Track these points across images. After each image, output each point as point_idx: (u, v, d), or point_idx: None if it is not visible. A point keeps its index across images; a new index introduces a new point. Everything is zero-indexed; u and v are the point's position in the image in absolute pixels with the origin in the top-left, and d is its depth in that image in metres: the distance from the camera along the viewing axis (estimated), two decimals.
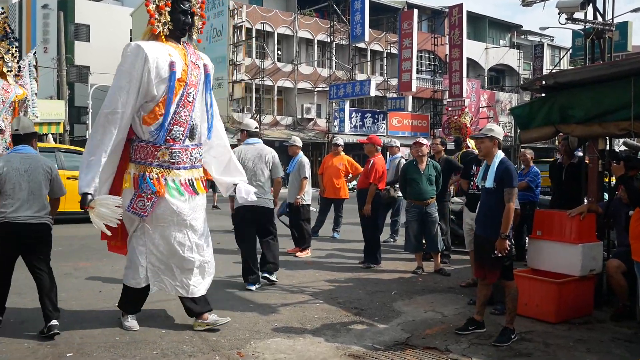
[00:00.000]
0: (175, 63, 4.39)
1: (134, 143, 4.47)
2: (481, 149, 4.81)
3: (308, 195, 8.57)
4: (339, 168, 9.87)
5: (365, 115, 32.52)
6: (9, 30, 8.45)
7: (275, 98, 31.94)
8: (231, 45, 29.70)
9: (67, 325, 4.48)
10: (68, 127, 27.50)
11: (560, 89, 5.76)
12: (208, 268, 4.70)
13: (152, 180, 4.35)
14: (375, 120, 32.72)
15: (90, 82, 31.04)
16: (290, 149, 8.71)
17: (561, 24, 7.04)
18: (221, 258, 7.48)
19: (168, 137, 4.40)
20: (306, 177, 8.37)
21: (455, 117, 10.27)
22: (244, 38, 30.11)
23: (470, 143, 9.96)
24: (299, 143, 8.76)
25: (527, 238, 7.64)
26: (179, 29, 4.56)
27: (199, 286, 4.62)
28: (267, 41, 31.61)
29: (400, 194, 9.41)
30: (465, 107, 15.08)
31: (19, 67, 8.65)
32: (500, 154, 4.74)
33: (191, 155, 4.55)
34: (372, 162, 7.56)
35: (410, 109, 35.10)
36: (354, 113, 31.75)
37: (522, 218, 7.23)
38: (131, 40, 38.32)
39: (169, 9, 4.47)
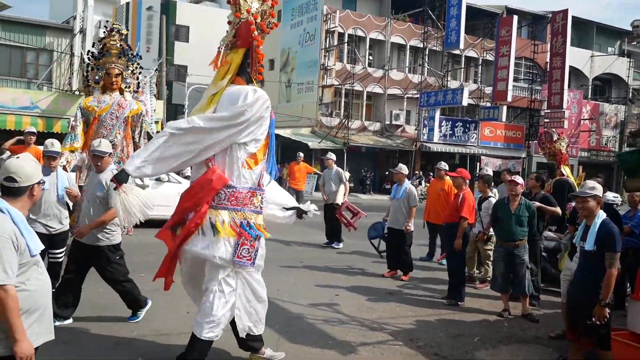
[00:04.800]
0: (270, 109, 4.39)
1: (229, 189, 4.23)
2: (584, 209, 4.51)
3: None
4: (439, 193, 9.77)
5: (456, 124, 31.73)
6: (125, 47, 8.94)
7: (365, 103, 31.85)
8: (323, 50, 29.93)
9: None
10: (165, 125, 28.87)
11: None
12: None
13: (255, 226, 4.29)
14: (467, 130, 31.85)
15: (187, 81, 32.32)
16: (396, 175, 8.94)
17: None
18: (303, 284, 7.57)
19: (261, 182, 4.43)
20: (416, 205, 8.61)
21: (550, 144, 9.81)
22: (335, 43, 30.25)
23: (565, 170, 9.47)
24: (405, 171, 8.92)
25: (628, 285, 7.15)
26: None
27: (263, 321, 4.61)
28: (358, 46, 31.57)
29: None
30: (562, 132, 14.30)
31: (138, 83, 9.12)
32: (601, 215, 4.44)
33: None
34: (462, 196, 7.37)
35: (504, 119, 33.96)
36: (444, 121, 31.07)
37: (625, 266, 6.76)
38: None
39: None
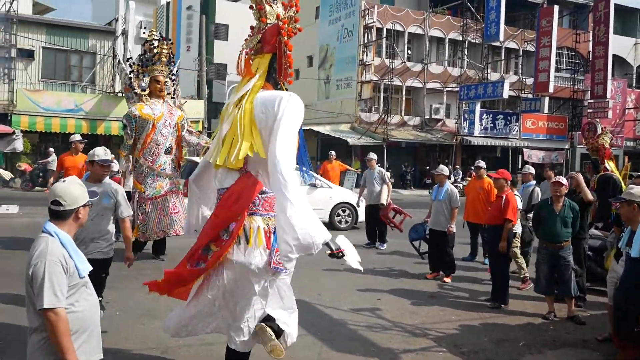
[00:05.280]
0: None
1: (263, 195, 4.15)
2: (622, 214, 4.46)
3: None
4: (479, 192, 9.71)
5: (497, 117, 31.23)
6: (172, 56, 9.14)
7: (404, 98, 31.66)
8: (361, 45, 29.85)
9: None
10: (207, 124, 29.31)
11: None
12: None
13: None
14: (508, 122, 31.33)
15: (227, 80, 32.70)
16: (437, 177, 8.90)
17: None
18: (345, 287, 7.65)
19: None
20: (458, 207, 8.58)
21: (592, 139, 9.65)
22: (374, 38, 30.13)
23: (610, 165, 9.29)
24: (446, 172, 8.91)
25: None
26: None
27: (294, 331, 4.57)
28: (397, 40, 31.36)
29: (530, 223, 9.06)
30: (605, 127, 13.98)
31: (174, 90, 9.32)
32: None
33: None
34: (505, 197, 7.31)
35: (546, 110, 33.25)
36: (484, 114, 30.64)
37: None
38: None
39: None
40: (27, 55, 24.55)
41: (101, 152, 5.40)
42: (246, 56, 4.36)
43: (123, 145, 8.88)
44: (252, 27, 4.42)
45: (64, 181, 3.10)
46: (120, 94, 23.95)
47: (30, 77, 24.57)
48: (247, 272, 4.05)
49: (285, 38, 4.20)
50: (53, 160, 20.71)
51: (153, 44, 8.81)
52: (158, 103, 8.77)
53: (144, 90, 8.80)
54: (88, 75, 25.87)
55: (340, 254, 3.65)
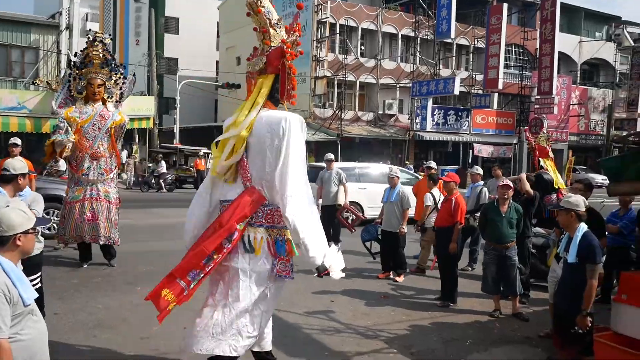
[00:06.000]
0: None
1: (266, 208, 4.41)
2: (560, 221, 4.70)
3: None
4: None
5: (449, 113, 31.89)
6: (109, 57, 8.93)
7: (357, 94, 31.93)
8: (314, 41, 29.90)
9: None
10: (157, 121, 28.82)
11: None
12: None
13: (286, 244, 4.47)
14: (459, 118, 32.05)
15: (178, 75, 32.18)
16: (391, 180, 8.94)
17: None
18: (299, 290, 7.72)
19: None
20: (409, 208, 8.75)
21: (529, 139, 10.13)
22: (327, 33, 30.23)
23: (546, 164, 9.74)
24: (398, 174, 9.06)
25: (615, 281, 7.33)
26: None
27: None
28: (350, 36, 31.55)
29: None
30: (544, 128, 14.68)
31: (121, 94, 9.11)
32: (582, 227, 4.60)
33: None
34: (454, 200, 7.55)
35: (495, 106, 34.12)
36: (436, 110, 31.23)
37: (612, 265, 6.98)
38: (218, 33, 39.48)
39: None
40: None
41: (18, 165, 4.81)
42: (250, 77, 4.64)
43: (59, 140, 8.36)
44: (255, 48, 4.69)
45: (7, 205, 3.02)
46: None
47: None
48: (251, 279, 4.32)
49: (290, 62, 4.48)
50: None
51: (88, 46, 8.67)
52: (91, 106, 8.62)
53: (80, 93, 8.66)
54: (31, 71, 24.92)
55: (327, 274, 4.30)
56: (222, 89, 31.34)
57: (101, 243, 8.51)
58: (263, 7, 4.43)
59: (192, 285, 4.21)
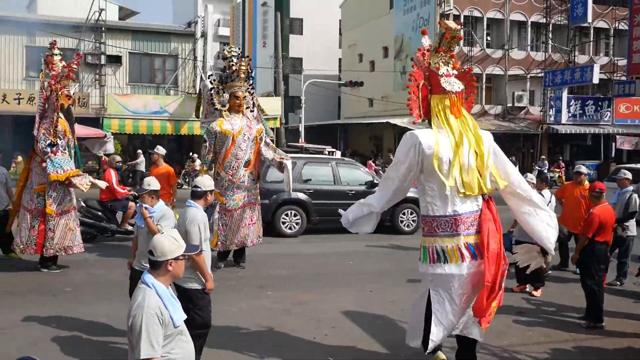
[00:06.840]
0: None
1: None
2: None
3: None
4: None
5: (587, 103, 29.56)
6: (250, 71, 9.32)
7: (484, 86, 30.59)
8: (437, 34, 29.03)
9: None
10: (284, 120, 29.65)
11: None
12: None
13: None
14: (599, 108, 29.60)
15: (303, 74, 32.83)
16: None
17: None
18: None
19: None
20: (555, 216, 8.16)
21: None
22: None
23: None
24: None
25: None
26: None
27: None
28: (475, 27, 30.31)
29: (629, 232, 8.52)
30: None
31: (253, 103, 9.46)
32: None
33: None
34: (591, 211, 6.94)
35: None
36: (572, 100, 29.07)
37: None
38: (340, 31, 39.89)
39: None
40: (115, 60, 25.78)
41: (207, 182, 5.20)
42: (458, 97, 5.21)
43: (203, 159, 9.15)
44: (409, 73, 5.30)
45: (162, 232, 3.26)
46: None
47: (118, 82, 25.81)
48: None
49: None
50: (142, 162, 21.70)
51: (232, 61, 9.01)
52: (237, 118, 8.99)
53: (224, 106, 9.01)
54: (171, 77, 26.89)
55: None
56: (345, 87, 31.51)
57: (254, 244, 9.21)
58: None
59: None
